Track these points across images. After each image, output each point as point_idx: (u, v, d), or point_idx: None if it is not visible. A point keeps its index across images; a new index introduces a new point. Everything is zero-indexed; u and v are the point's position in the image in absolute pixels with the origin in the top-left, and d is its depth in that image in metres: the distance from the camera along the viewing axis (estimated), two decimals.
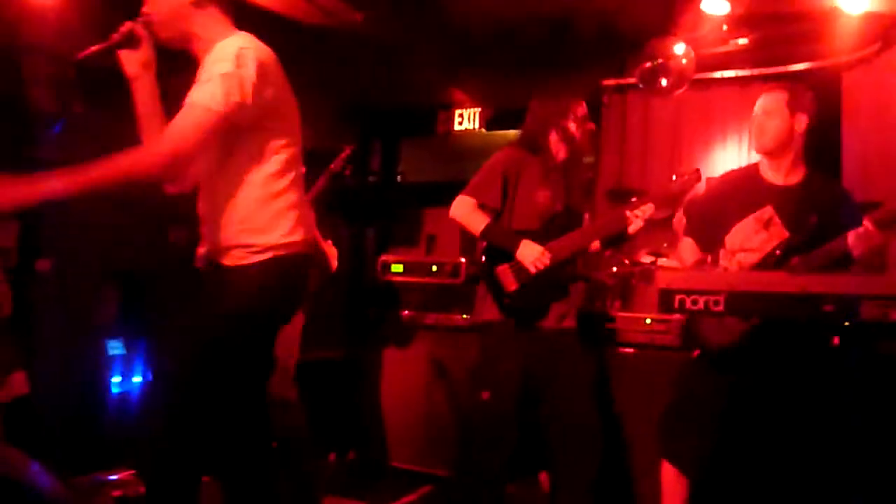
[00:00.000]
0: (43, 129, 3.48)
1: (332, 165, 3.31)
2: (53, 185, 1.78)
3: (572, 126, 2.92)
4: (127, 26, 2.00)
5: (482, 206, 2.87)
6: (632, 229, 2.84)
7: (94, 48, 1.98)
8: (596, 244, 3.01)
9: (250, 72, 1.90)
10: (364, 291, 4.27)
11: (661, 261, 3.58)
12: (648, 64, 4.07)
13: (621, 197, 4.20)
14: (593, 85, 4.76)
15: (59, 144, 3.57)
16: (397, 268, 4.08)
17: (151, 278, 4.11)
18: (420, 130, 5.50)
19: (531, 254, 2.78)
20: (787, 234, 2.48)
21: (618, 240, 3.03)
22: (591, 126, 3.02)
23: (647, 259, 3.69)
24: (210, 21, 2.03)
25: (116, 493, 3.17)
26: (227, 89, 1.86)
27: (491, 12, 4.53)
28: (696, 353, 2.69)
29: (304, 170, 2.76)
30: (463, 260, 3.95)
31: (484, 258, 2.90)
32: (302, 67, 4.38)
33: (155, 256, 4.01)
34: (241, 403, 2.05)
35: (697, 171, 2.83)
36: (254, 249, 1.98)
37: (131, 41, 2.01)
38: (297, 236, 2.04)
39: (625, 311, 3.55)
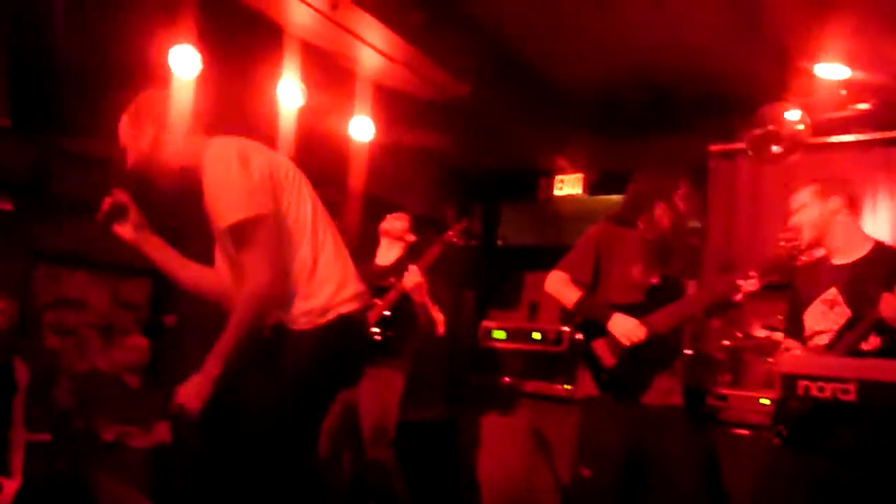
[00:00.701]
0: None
1: (448, 235, 3.40)
2: (212, 368, 1.91)
3: (679, 201, 2.88)
4: (107, 202, 2.10)
5: (575, 281, 2.89)
6: (738, 297, 2.74)
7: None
8: (699, 314, 2.91)
9: (250, 165, 1.95)
10: (463, 355, 4.28)
11: (777, 335, 3.40)
12: (759, 131, 3.96)
13: (729, 269, 4.07)
14: (700, 150, 4.68)
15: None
16: (499, 334, 4.08)
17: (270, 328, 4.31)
18: (522, 195, 5.56)
19: (624, 327, 2.73)
20: (850, 313, 2.41)
21: (724, 308, 2.93)
22: (695, 201, 2.98)
23: (761, 333, 3.51)
24: (185, 147, 2.05)
25: None
26: (246, 191, 1.92)
27: (595, 78, 4.59)
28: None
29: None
30: (566, 328, 3.90)
31: (580, 333, 2.89)
32: (408, 137, 4.63)
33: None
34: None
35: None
36: (301, 318, 2.01)
37: (118, 213, 2.11)
38: (346, 295, 2.05)
39: (737, 388, 3.37)
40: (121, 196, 2.08)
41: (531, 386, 3.86)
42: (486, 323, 4.22)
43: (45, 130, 3.10)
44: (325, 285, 2.03)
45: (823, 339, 2.47)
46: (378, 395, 3.31)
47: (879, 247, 2.56)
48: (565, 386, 3.76)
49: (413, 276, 3.32)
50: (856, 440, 2.05)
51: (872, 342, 2.34)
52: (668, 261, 2.94)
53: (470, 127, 4.70)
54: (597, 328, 2.82)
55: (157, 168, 2.05)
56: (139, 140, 2.04)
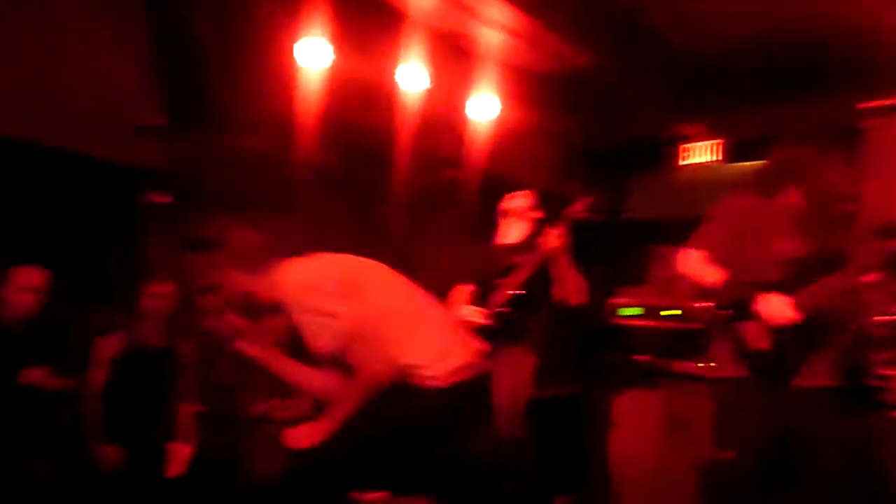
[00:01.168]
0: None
1: (573, 210, 3.33)
2: (327, 425, 2.22)
3: (829, 167, 2.64)
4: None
5: (713, 259, 2.67)
6: None
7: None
8: (873, 277, 2.66)
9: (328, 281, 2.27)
10: (591, 333, 4.22)
11: None
12: None
13: (889, 233, 3.73)
14: (848, 109, 4.31)
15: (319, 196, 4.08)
16: (628, 311, 3.99)
17: None
18: (649, 166, 5.37)
19: (773, 307, 2.54)
20: None
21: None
22: (848, 164, 2.71)
23: None
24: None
25: None
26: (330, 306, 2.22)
27: (724, 39, 4.33)
28: None
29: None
30: (699, 305, 3.75)
31: (724, 311, 2.70)
32: (530, 113, 4.59)
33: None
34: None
35: None
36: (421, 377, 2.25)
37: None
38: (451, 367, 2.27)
39: None
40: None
41: (663, 364, 3.75)
42: (614, 300, 4.13)
43: (194, 128, 3.34)
44: (427, 366, 2.25)
45: None
46: (510, 375, 3.33)
47: None
48: (699, 364, 3.62)
49: (556, 238, 3.25)
50: None
51: None
52: (818, 232, 2.72)
53: (593, 98, 4.59)
54: (741, 309, 2.65)
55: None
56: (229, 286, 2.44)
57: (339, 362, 2.28)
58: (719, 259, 2.69)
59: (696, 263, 2.72)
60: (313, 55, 3.55)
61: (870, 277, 2.67)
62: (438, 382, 2.24)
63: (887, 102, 4.16)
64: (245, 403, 3.67)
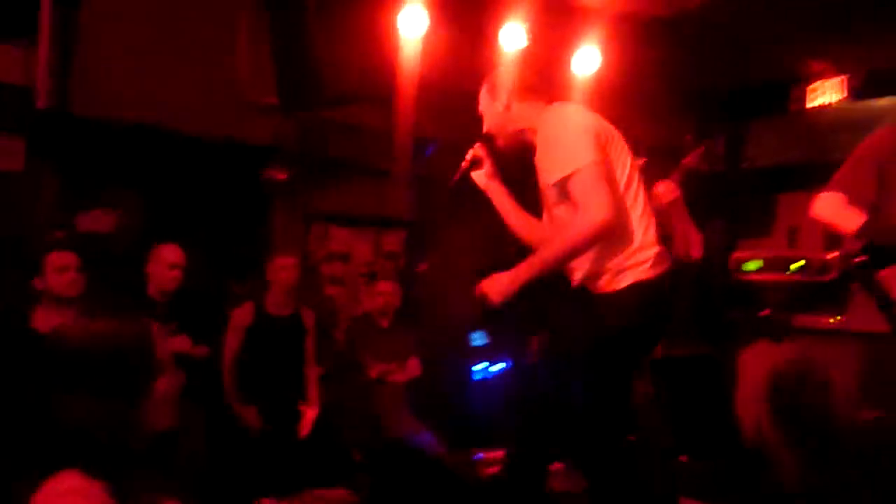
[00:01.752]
0: (419, 150, 4.05)
1: (687, 161, 3.20)
2: (524, 273, 2.12)
3: None
4: (470, 153, 2.37)
5: (854, 202, 2.47)
6: None
7: (455, 178, 2.39)
8: None
9: (584, 125, 2.15)
10: (717, 289, 4.05)
11: None
12: None
13: None
14: None
15: (429, 164, 4.14)
16: (753, 265, 3.79)
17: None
18: (771, 109, 5.02)
19: None
20: None
21: None
22: None
23: None
24: (526, 112, 2.27)
25: (492, 470, 3.52)
26: (581, 145, 2.08)
27: None
28: None
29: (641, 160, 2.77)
30: (832, 255, 3.52)
31: (862, 259, 2.49)
32: (638, 62, 4.39)
33: (514, 259, 4.37)
34: (616, 404, 2.25)
35: None
36: (619, 275, 2.15)
37: (477, 163, 2.38)
38: (652, 252, 2.17)
39: None
40: (480, 150, 2.37)
41: (794, 319, 3.55)
42: (737, 254, 3.95)
43: (306, 104, 3.46)
44: (636, 244, 2.16)
45: None
46: None
47: None
48: (832, 319, 3.41)
49: (669, 191, 3.13)
50: None
51: None
52: None
53: (703, 41, 4.32)
54: (883, 256, 2.44)
55: (504, 131, 2.32)
56: (493, 107, 2.32)
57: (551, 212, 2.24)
58: (862, 202, 2.47)
59: (835, 207, 2.51)
60: (413, 24, 3.56)
61: None
62: (649, 271, 2.14)
63: None
64: (362, 365, 3.83)
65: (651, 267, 2.15)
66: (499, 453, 3.75)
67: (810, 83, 4.80)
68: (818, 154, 4.71)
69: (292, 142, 3.79)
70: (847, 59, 4.63)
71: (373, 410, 3.72)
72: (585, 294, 2.22)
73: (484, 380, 4.59)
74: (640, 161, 3.35)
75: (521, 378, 4.40)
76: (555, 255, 2.10)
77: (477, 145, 2.37)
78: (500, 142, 2.34)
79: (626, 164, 2.22)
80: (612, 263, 2.15)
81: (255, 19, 3.37)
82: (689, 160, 3.21)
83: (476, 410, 4.40)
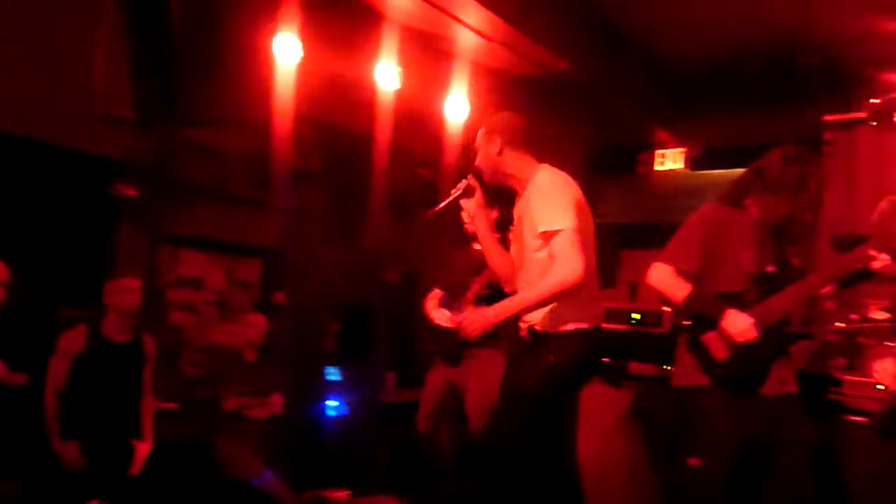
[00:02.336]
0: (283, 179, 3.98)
1: None
2: (507, 310, 2.49)
3: (800, 183, 2.62)
4: (464, 183, 2.64)
5: (681, 273, 2.69)
6: (877, 265, 2.55)
7: (442, 204, 2.65)
8: (830, 288, 2.72)
9: (572, 194, 2.52)
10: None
11: None
12: (880, 99, 3.70)
13: (849, 244, 3.83)
14: (814, 121, 4.42)
15: (294, 193, 4.08)
16: None
17: (367, 312, 4.49)
18: (620, 171, 5.43)
19: (737, 325, 2.57)
20: None
21: (854, 282, 2.76)
22: (818, 180, 2.74)
23: (879, 315, 3.30)
24: (517, 162, 2.60)
25: None
26: (568, 210, 2.44)
27: (699, 49, 4.41)
28: None
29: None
30: (667, 309, 3.82)
31: (689, 324, 2.73)
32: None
33: (372, 293, 4.38)
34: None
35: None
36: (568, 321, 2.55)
37: (470, 192, 2.64)
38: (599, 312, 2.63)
39: (853, 373, 3.20)
40: (473, 180, 2.64)
41: (631, 367, 3.80)
42: None
43: (165, 121, 3.31)
44: (593, 302, 2.60)
45: None
46: (483, 374, 3.37)
47: None
48: (665, 367, 3.68)
49: None
50: None
51: None
52: (783, 245, 2.77)
53: (568, 102, 4.63)
54: (704, 320, 2.68)
55: (493, 171, 2.61)
56: (488, 148, 2.61)
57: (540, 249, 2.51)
58: (686, 273, 2.71)
59: (664, 277, 2.72)
60: (288, 51, 3.53)
61: (827, 288, 2.73)
62: (594, 324, 2.58)
63: (850, 116, 4.26)
64: (216, 398, 3.64)
65: (591, 319, 2.58)
66: (343, 493, 3.70)
67: (656, 150, 5.25)
68: (659, 216, 5.14)
69: (146, 158, 3.59)
70: (688, 133, 5.12)
71: (216, 448, 3.52)
72: (535, 336, 2.58)
73: (337, 416, 4.51)
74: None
75: (374, 415, 4.37)
76: (536, 298, 2.46)
77: (470, 175, 2.63)
78: (487, 179, 2.62)
79: (590, 229, 2.59)
80: (567, 311, 2.51)
81: (114, 28, 3.19)
82: None
83: (328, 448, 4.31)
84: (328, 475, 3.89)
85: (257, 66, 3.45)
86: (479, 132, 2.66)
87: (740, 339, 2.58)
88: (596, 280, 2.63)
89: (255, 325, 3.89)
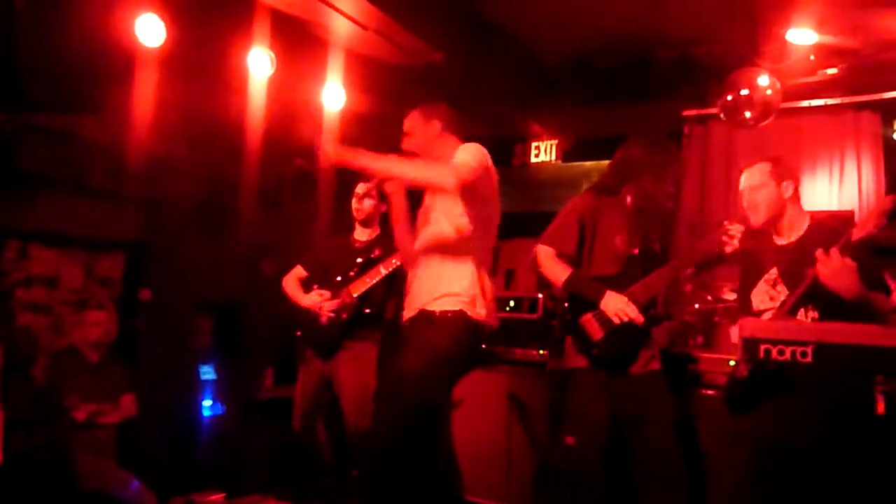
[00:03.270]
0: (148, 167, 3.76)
1: None
2: (369, 161, 2.50)
3: (666, 172, 2.89)
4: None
5: (560, 255, 2.87)
6: (729, 249, 2.79)
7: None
8: (689, 271, 2.96)
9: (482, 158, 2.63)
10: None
11: None
12: (731, 96, 3.99)
13: (703, 231, 4.12)
14: (674, 115, 4.71)
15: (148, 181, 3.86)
16: None
17: (242, 308, 4.33)
18: (496, 162, 5.53)
19: (615, 304, 2.75)
20: (788, 291, 2.48)
21: (710, 266, 3.01)
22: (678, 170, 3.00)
23: (730, 296, 3.58)
24: (450, 142, 2.73)
25: None
26: (474, 158, 2.57)
27: (569, 43, 4.57)
28: None
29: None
30: (540, 295, 3.95)
31: (567, 306, 2.89)
32: (381, 104, 4.58)
33: (246, 288, 4.22)
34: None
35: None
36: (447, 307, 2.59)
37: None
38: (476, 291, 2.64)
39: (708, 350, 3.45)
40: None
41: (506, 351, 3.90)
42: None
43: (10, 106, 3.02)
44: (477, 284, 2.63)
45: (768, 317, 2.50)
46: (358, 368, 3.34)
47: (815, 223, 2.59)
48: (540, 351, 3.81)
49: None
50: (809, 399, 2.14)
51: (811, 316, 2.40)
52: (649, 230, 2.96)
53: (443, 93, 4.65)
54: (583, 302, 2.83)
55: (429, 152, 2.72)
56: (426, 130, 2.76)
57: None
58: (566, 255, 2.88)
59: (547, 259, 2.89)
60: (150, 32, 3.33)
61: (688, 271, 2.95)
62: (481, 316, 2.61)
63: (707, 111, 4.57)
64: (65, 406, 3.39)
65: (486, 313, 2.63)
66: (217, 496, 3.55)
67: (531, 142, 5.41)
68: (534, 205, 5.30)
69: None
70: (559, 125, 5.30)
71: (71, 460, 3.27)
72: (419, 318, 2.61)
73: (212, 417, 4.33)
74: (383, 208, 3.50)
75: (250, 414, 4.23)
76: (405, 169, 2.56)
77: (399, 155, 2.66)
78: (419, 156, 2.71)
79: (493, 207, 2.76)
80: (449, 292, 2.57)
81: None
82: None
83: (200, 450, 4.13)
84: (203, 478, 3.73)
85: (114, 48, 3.22)
86: (414, 116, 2.79)
87: (618, 318, 2.75)
88: (489, 262, 2.74)
89: (99, 324, 3.64)
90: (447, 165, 2.52)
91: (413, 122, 2.80)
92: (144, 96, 3.40)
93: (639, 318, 2.75)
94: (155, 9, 3.30)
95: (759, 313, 2.57)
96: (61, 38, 2.93)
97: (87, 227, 3.85)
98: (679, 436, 2.86)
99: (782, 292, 2.52)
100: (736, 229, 2.75)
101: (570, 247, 2.87)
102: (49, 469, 3.14)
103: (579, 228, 2.88)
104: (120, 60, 3.19)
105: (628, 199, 2.91)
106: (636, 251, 2.90)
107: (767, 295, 2.57)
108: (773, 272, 2.57)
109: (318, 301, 3.37)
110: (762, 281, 2.60)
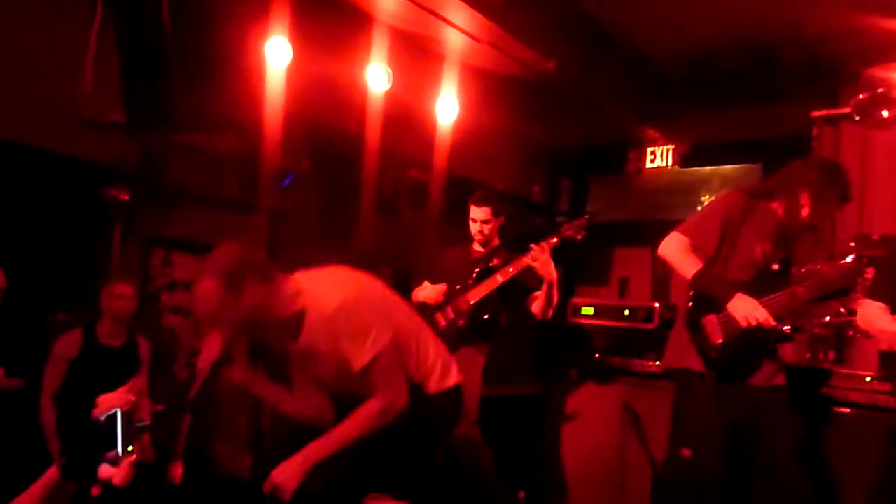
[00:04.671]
0: (276, 181, 3.99)
1: (567, 229, 3.34)
2: (313, 456, 2.15)
3: (822, 194, 2.71)
4: (216, 356, 2.26)
5: (695, 249, 2.72)
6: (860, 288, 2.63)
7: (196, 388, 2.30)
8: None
9: (374, 317, 2.23)
10: (553, 331, 4.30)
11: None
12: (866, 94, 3.74)
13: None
14: (801, 117, 4.46)
15: (285, 195, 4.09)
16: (588, 310, 4.07)
17: None
18: (610, 169, 5.46)
19: (745, 308, 2.61)
20: None
21: (840, 294, 2.82)
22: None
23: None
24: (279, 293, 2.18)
25: None
26: (374, 336, 2.18)
27: (685, 46, 4.44)
28: None
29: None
30: (657, 305, 3.85)
31: (691, 304, 2.76)
32: (494, 115, 4.64)
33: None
34: None
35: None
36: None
37: (228, 360, 2.28)
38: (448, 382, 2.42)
39: (841, 365, 3.24)
40: (234, 348, 2.28)
41: (621, 362, 3.83)
42: (575, 299, 4.21)
43: (155, 125, 3.32)
44: (432, 376, 2.38)
45: None
46: (465, 374, 3.38)
47: None
48: (656, 362, 3.72)
49: (543, 254, 3.23)
50: None
51: None
52: (792, 246, 2.82)
53: (557, 102, 4.65)
54: (708, 302, 2.71)
55: (266, 319, 2.17)
56: (242, 305, 2.09)
57: (343, 387, 2.27)
58: (702, 251, 2.73)
59: (678, 248, 2.74)
60: (279, 55, 3.55)
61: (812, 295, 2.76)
62: (443, 387, 2.38)
63: (838, 111, 4.30)
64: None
65: (449, 381, 2.43)
66: None
67: (646, 147, 5.28)
68: (649, 213, 5.17)
69: (137, 163, 3.61)
70: (676, 130, 5.15)
71: (210, 449, 3.54)
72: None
73: None
74: (500, 220, 3.50)
75: None
76: (347, 438, 2.18)
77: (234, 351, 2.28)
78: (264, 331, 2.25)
79: (404, 306, 2.44)
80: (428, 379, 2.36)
81: (104, 31, 3.20)
82: (569, 229, 3.35)
83: None
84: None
85: (248, 69, 3.46)
86: (213, 286, 2.07)
87: (745, 322, 2.61)
88: (435, 352, 2.44)
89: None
90: (388, 389, 2.20)
91: (213, 301, 2.09)
92: (273, 112, 3.61)
93: (769, 322, 2.59)
94: (283, 32, 3.52)
95: None
96: (205, 61, 3.18)
97: (221, 235, 4.14)
98: (806, 455, 2.70)
99: None
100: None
101: (709, 242, 2.72)
102: (192, 457, 3.40)
103: (722, 226, 2.73)
104: (253, 80, 3.41)
105: (780, 208, 2.76)
106: (775, 266, 2.76)
107: None
108: None
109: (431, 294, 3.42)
110: None
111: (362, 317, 2.17)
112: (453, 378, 2.45)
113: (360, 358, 2.15)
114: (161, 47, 3.01)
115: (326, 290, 2.20)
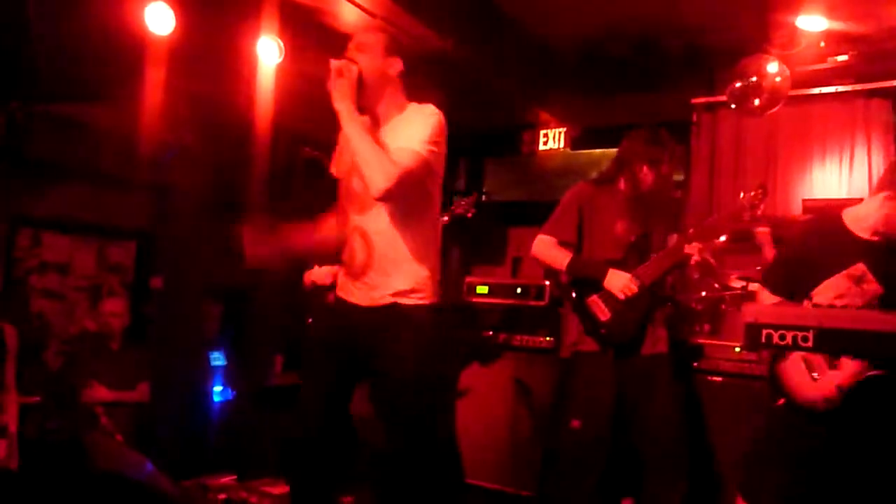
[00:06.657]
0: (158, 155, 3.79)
1: (459, 208, 3.45)
2: (346, 112, 2.23)
3: (662, 162, 2.95)
4: (339, 62, 2.28)
5: (562, 243, 2.96)
6: (692, 260, 2.86)
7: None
8: (697, 257, 2.95)
9: (441, 130, 2.31)
10: (448, 311, 4.35)
11: (753, 286, 3.47)
12: (740, 83, 3.97)
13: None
14: (682, 103, 4.69)
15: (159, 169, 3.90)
16: (482, 289, 4.13)
17: (251, 294, 4.37)
18: (505, 150, 5.55)
19: (619, 281, 2.83)
20: (881, 289, 2.38)
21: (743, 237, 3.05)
22: (679, 159, 3.03)
23: (737, 284, 3.59)
24: (397, 94, 2.39)
25: (221, 497, 3.36)
26: (414, 160, 2.22)
27: (577, 31, 4.56)
28: (781, 402, 2.55)
29: None
30: (547, 283, 3.96)
31: (574, 292, 2.95)
32: None
33: (252, 274, 4.26)
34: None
35: (764, 186, 2.94)
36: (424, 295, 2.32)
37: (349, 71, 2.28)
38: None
39: (714, 337, 3.47)
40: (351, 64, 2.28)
41: (514, 340, 3.93)
42: (469, 279, 4.27)
43: (23, 95, 3.06)
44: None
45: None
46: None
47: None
48: (547, 338, 3.84)
49: None
50: None
51: None
52: (649, 217, 3.00)
53: (452, 82, 4.65)
54: (588, 285, 2.90)
55: (368, 80, 2.30)
56: (382, 61, 2.34)
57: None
58: (567, 242, 2.96)
59: (547, 247, 2.97)
60: (161, 21, 3.35)
61: (695, 253, 2.95)
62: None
63: (716, 99, 4.55)
64: (81, 389, 3.45)
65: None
66: (228, 478, 3.61)
67: (539, 130, 5.40)
68: (543, 194, 5.30)
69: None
70: (568, 113, 5.29)
71: (85, 442, 3.34)
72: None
73: (222, 402, 4.39)
74: None
75: (260, 399, 4.29)
76: (361, 142, 2.20)
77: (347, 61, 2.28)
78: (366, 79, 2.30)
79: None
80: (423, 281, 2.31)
81: None
82: (460, 206, 3.50)
83: (211, 434, 4.19)
84: (214, 462, 3.79)
85: (126, 38, 3.25)
86: (377, 38, 2.39)
87: (622, 294, 2.83)
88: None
89: (115, 315, 3.72)
90: (394, 164, 2.18)
91: (373, 43, 2.36)
92: (155, 84, 3.42)
93: (636, 291, 2.81)
94: None
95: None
96: (73, 26, 2.96)
97: (99, 214, 3.91)
98: (683, 416, 2.90)
99: (871, 290, 2.38)
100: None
101: (570, 234, 2.96)
102: (64, 451, 3.21)
103: (578, 216, 2.97)
104: (130, 49, 3.21)
105: (622, 185, 2.99)
106: (635, 237, 2.97)
107: (847, 289, 2.41)
108: (860, 267, 2.40)
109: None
110: (843, 274, 2.42)
111: (439, 127, 2.29)
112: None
113: (408, 139, 2.23)
114: (23, 10, 2.76)
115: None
